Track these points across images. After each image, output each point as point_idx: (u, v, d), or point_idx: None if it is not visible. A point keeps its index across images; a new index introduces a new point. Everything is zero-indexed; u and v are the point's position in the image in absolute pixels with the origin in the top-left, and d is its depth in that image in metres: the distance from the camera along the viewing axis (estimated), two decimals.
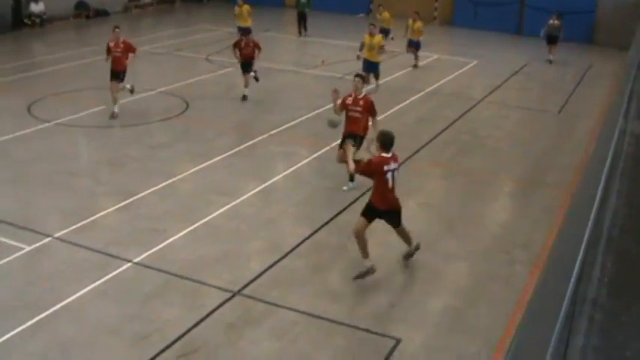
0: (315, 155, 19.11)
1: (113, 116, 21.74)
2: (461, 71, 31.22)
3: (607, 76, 31.04)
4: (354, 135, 16.34)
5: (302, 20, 38.18)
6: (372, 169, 12.61)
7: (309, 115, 22.56)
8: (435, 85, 28.05)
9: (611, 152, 7.70)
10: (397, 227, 13.21)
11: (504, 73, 30.86)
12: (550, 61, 33.41)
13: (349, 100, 16.61)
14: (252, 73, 24.44)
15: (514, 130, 23.06)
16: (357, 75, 16.84)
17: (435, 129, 22.17)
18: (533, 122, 24.18)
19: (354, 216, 15.60)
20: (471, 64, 32.61)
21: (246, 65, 24.34)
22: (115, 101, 21.80)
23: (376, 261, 12.95)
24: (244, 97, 24.26)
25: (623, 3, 38.60)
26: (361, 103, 16.50)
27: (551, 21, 33.40)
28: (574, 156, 20.30)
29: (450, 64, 32.42)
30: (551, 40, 33.41)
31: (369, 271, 12.67)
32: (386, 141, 12.58)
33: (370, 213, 12.82)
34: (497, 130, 22.95)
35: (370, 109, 16.53)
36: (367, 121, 16.62)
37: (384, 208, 12.79)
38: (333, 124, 16.55)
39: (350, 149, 14.41)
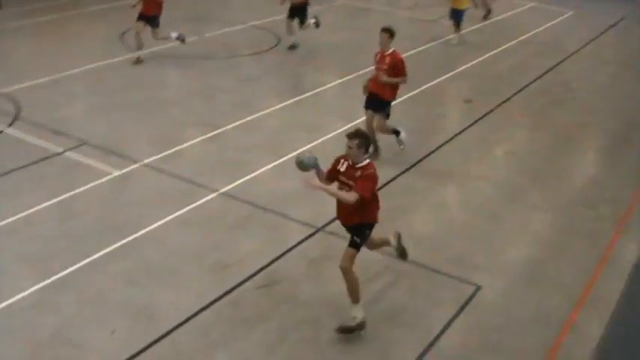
0: (404, 97, 18.94)
1: (138, 61, 20.73)
2: (556, 21, 30.56)
3: None
4: (374, 99, 15.16)
5: None
6: (376, 182, 9.58)
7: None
8: (529, 34, 27.54)
9: None
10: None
11: (600, 25, 30.08)
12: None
13: (378, 57, 15.04)
14: (313, 20, 22.83)
15: (607, 85, 22.52)
16: (384, 29, 14.81)
17: (527, 78, 21.80)
18: (627, 78, 23.58)
19: (440, 161, 15.58)
20: (567, 15, 31.89)
21: (295, 12, 22.63)
22: (139, 47, 20.81)
23: (456, 208, 12.86)
24: (292, 47, 22.89)
25: None
26: (387, 60, 14.69)
27: None
28: None
29: (545, 14, 31.72)
30: None
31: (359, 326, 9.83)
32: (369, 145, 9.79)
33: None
34: (590, 83, 22.47)
35: (397, 68, 14.65)
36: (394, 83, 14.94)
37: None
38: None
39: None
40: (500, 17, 29.92)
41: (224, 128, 16.34)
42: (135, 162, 14.38)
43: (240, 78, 19.86)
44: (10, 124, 15.97)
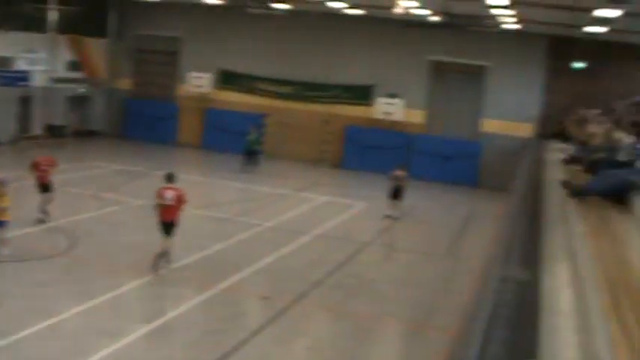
0: (201, 299, 18.94)
1: None
2: (349, 213, 31.64)
3: (492, 219, 31.86)
4: None
5: (250, 157, 39.81)
6: None
7: (197, 256, 22.44)
8: (324, 227, 28.24)
9: (490, 299, 7.87)
10: None
11: (392, 215, 31.22)
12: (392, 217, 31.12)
13: None
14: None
15: (401, 273, 23.35)
16: None
17: (323, 272, 22.22)
18: (419, 265, 24.60)
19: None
20: (360, 206, 33.10)
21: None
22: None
23: None
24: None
25: (504, 148, 39.98)
26: None
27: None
28: (459, 299, 20.62)
29: (339, 206, 32.81)
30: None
31: None
32: None
33: None
34: (383, 272, 23.23)
35: None
36: None
37: None
38: None
39: None
40: (294, 212, 30.59)
41: (16, 336, 15.61)
42: None
43: (33, 282, 19.19)
44: None
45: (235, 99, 46.00)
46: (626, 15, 27.35)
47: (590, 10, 27.46)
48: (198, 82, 45.74)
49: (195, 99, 45.99)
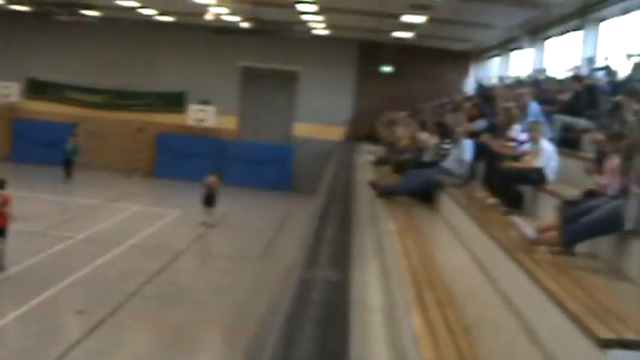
0: (14, 315, 18.41)
1: None
2: (163, 222, 31.34)
3: (304, 221, 32.25)
4: None
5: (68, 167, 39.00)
6: None
7: (8, 272, 21.74)
8: (138, 237, 27.87)
9: (298, 301, 7.94)
10: None
11: (207, 222, 31.19)
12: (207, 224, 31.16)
13: None
14: None
15: (217, 279, 23.33)
16: None
17: (138, 282, 21.92)
18: (235, 270, 24.62)
19: None
20: (174, 215, 32.85)
21: None
22: None
23: None
24: None
25: (316, 151, 40.46)
26: None
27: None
28: (275, 302, 20.76)
29: (153, 215, 32.47)
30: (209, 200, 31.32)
31: None
32: None
33: None
34: (199, 280, 23.17)
35: None
36: None
37: None
38: None
39: None
40: (108, 223, 30.05)
41: None
42: None
43: None
44: None
45: (45, 108, 44.65)
46: (430, 20, 28.35)
47: (397, 16, 28.31)
48: (4, 91, 44.17)
49: (2, 109, 44.36)
